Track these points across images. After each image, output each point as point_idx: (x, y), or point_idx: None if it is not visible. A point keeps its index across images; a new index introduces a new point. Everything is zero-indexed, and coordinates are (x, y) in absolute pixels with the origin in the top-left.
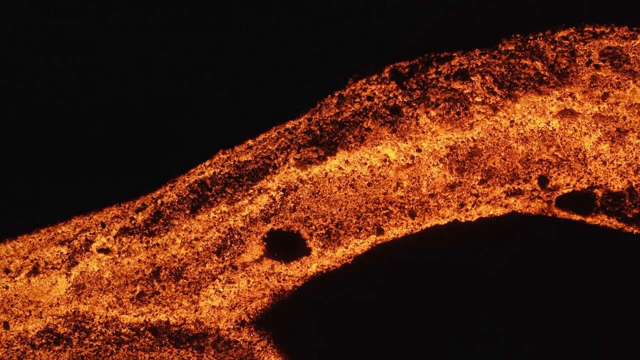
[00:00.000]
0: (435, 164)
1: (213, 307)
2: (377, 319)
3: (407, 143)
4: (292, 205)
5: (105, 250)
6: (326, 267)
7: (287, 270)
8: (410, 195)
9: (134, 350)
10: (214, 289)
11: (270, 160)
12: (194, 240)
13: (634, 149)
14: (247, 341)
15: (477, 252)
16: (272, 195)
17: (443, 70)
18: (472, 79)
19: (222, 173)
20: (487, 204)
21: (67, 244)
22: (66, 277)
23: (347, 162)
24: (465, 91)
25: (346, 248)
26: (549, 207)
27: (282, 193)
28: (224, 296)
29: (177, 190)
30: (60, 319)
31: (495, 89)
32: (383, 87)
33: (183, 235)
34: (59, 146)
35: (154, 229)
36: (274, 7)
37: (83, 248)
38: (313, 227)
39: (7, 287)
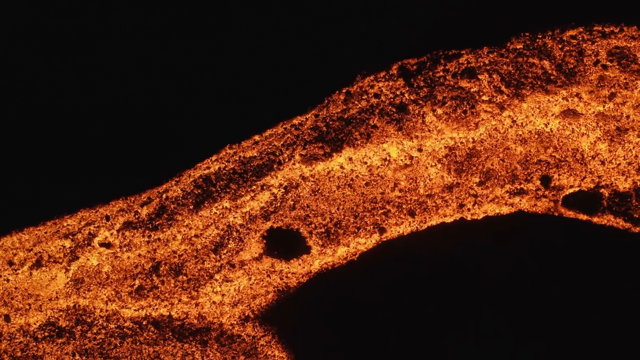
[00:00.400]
0: (434, 164)
1: (214, 302)
2: (382, 316)
3: (412, 141)
4: (292, 203)
5: (107, 245)
6: (330, 264)
7: (288, 268)
8: (408, 195)
9: (138, 344)
10: (211, 287)
11: (275, 157)
12: (194, 237)
13: (633, 148)
14: (250, 336)
15: (483, 251)
16: (273, 193)
17: (451, 68)
18: (480, 77)
19: (227, 169)
20: (493, 203)
21: (70, 237)
22: (65, 272)
23: (350, 159)
24: (472, 89)
25: (348, 247)
26: (555, 206)
27: (283, 190)
28: (223, 294)
29: (182, 185)
30: (61, 313)
31: (503, 88)
32: (390, 84)
33: (184, 231)
34: (59, 146)
35: (157, 223)
36: (283, 4)
37: (85, 242)
38: (313, 225)
39: (8, 280)
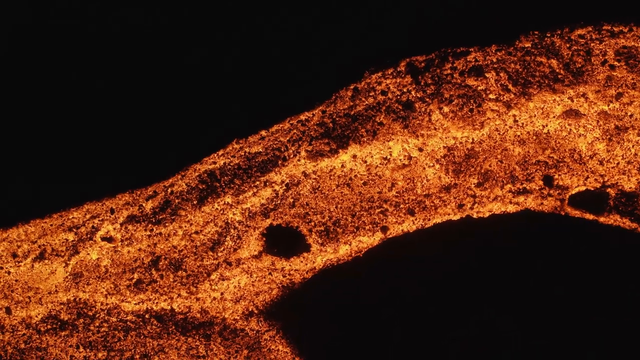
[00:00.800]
0: (432, 165)
1: (214, 299)
2: (386, 313)
3: (417, 139)
4: (292, 200)
5: (108, 239)
6: (334, 261)
7: (290, 265)
8: (405, 195)
9: (142, 337)
10: (209, 284)
11: (281, 152)
12: (194, 234)
13: (632, 146)
14: (254, 330)
15: (487, 249)
16: (275, 190)
17: (458, 66)
18: (487, 75)
19: (232, 164)
20: (498, 202)
21: (74, 230)
22: (65, 266)
23: (354, 157)
24: (479, 88)
25: (350, 245)
26: (561, 205)
27: (285, 187)
28: (222, 293)
29: (187, 179)
30: (62, 306)
31: (510, 86)
32: (398, 80)
33: (185, 227)
34: (59, 146)
35: (160, 217)
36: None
37: (88, 236)
38: (312, 223)
39: (9, 272)
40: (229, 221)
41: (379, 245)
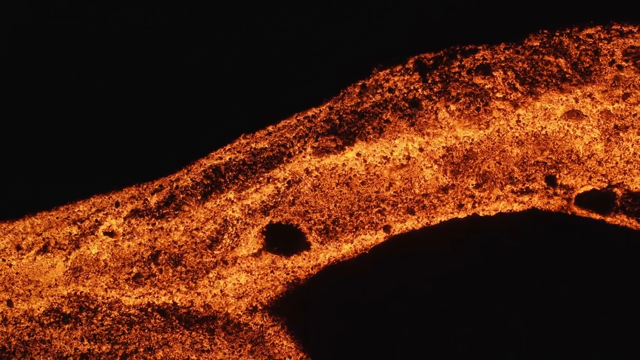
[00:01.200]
0: (429, 165)
1: (215, 295)
2: (393, 310)
3: (423, 137)
4: (292, 198)
5: (110, 234)
6: (340, 258)
7: (292, 263)
8: (403, 195)
9: (146, 331)
10: (208, 281)
11: (286, 149)
12: (194, 230)
13: (632, 145)
14: (258, 324)
15: (494, 247)
16: (277, 187)
17: (466, 64)
18: (494, 74)
19: (237, 159)
20: (504, 200)
21: (78, 223)
22: (65, 260)
23: (358, 154)
24: (486, 86)
25: (352, 243)
26: (568, 204)
27: (286, 184)
28: (221, 290)
29: (192, 174)
30: (63, 299)
31: (517, 85)
32: (406, 78)
33: (187, 222)
34: (59, 146)
35: (164, 212)
36: None
37: (90, 230)
38: (312, 221)
39: (10, 265)
40: (228, 218)
41: (385, 242)
